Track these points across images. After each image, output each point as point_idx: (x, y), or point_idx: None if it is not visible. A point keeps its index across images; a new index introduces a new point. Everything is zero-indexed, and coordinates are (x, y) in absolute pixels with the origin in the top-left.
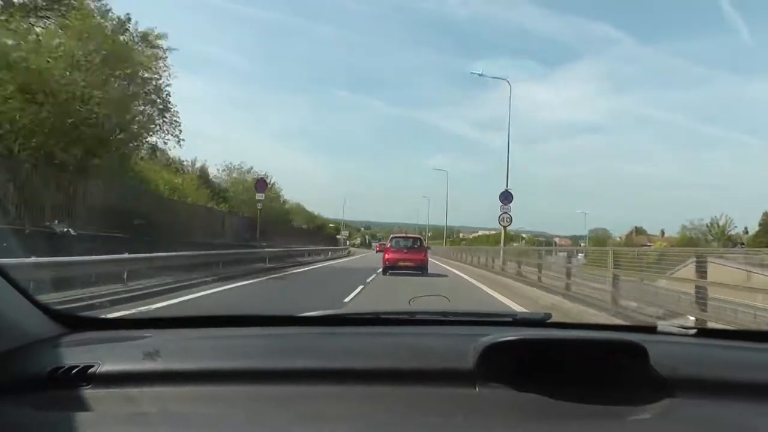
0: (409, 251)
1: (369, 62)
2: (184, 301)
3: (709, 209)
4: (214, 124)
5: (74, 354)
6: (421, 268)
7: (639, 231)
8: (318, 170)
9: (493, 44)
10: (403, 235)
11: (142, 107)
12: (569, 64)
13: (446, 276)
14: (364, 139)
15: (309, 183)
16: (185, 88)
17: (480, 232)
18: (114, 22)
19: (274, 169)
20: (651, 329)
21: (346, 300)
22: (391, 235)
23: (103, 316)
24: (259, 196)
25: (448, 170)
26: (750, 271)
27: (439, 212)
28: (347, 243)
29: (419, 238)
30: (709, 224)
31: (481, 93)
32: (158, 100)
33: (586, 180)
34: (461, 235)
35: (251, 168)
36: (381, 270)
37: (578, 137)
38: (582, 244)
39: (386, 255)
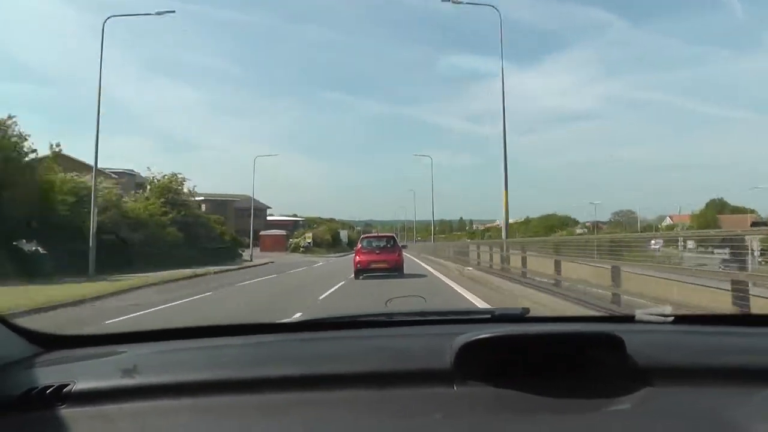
0: (382, 252)
1: (357, 61)
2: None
3: (709, 189)
4: (204, 132)
5: (48, 373)
6: (396, 269)
7: (722, 204)
8: (312, 172)
9: (480, 36)
10: (375, 234)
11: None
12: (560, 51)
13: None
14: (357, 138)
15: (303, 185)
16: (174, 96)
17: (497, 222)
18: None
19: (267, 173)
20: (629, 319)
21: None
22: (362, 236)
23: (76, 333)
24: None
25: (444, 165)
26: None
27: (443, 206)
28: None
29: (393, 237)
30: None
31: (472, 86)
32: None
33: (582, 167)
34: (475, 226)
35: None
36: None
37: (572, 125)
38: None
39: (357, 257)
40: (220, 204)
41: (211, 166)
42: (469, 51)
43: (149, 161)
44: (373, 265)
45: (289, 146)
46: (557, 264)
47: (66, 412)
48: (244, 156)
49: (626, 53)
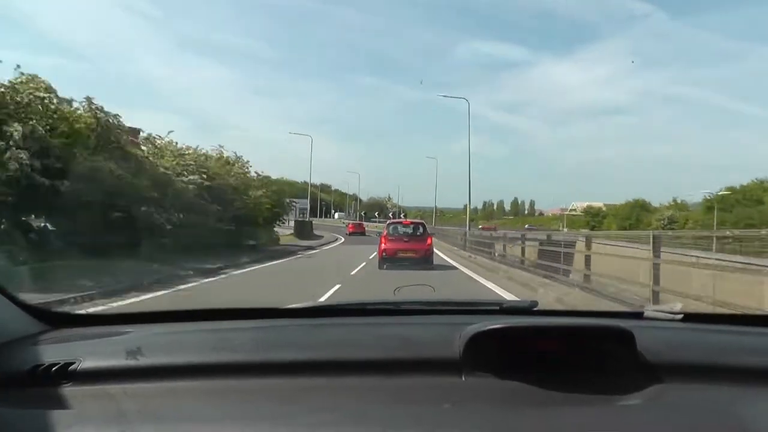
0: (411, 240)
1: (392, 46)
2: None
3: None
4: (239, 112)
5: (55, 351)
6: (425, 260)
7: None
8: (344, 156)
9: (515, 24)
10: (403, 220)
11: None
12: (594, 42)
13: None
14: (389, 124)
15: (336, 168)
16: (210, 77)
17: (576, 205)
18: None
19: (300, 154)
20: (638, 315)
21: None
22: (388, 221)
23: (83, 312)
24: None
25: (475, 153)
26: None
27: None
28: None
29: (422, 224)
30: None
31: (505, 76)
32: None
33: (611, 162)
34: (537, 212)
35: None
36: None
37: (604, 118)
38: None
39: (383, 245)
40: None
41: (241, 146)
42: (502, 39)
43: (180, 139)
44: (401, 254)
45: (318, 129)
46: None
47: (71, 390)
48: (275, 136)
49: (664, 47)
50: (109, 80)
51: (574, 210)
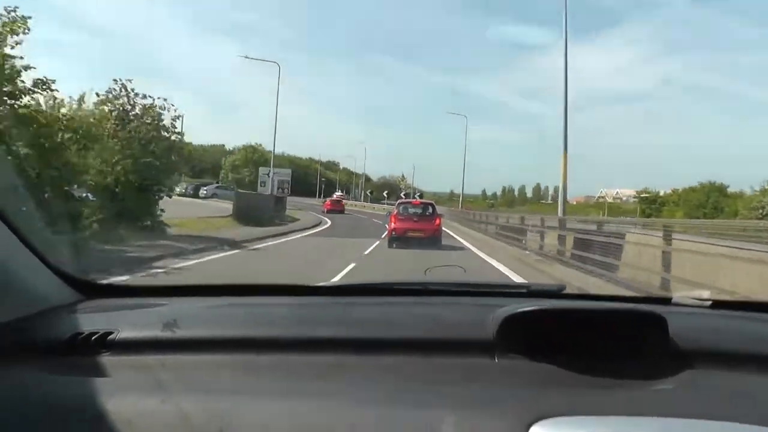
0: (420, 219)
1: (412, 28)
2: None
3: None
4: (256, 94)
5: (93, 320)
6: (433, 240)
7: None
8: (361, 138)
9: (536, 6)
10: (412, 200)
11: None
12: (615, 28)
13: None
14: (408, 107)
15: (349, 149)
16: (227, 57)
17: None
18: None
19: (318, 137)
20: (666, 301)
21: None
22: (398, 201)
23: (120, 283)
24: None
25: (493, 140)
26: None
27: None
28: None
29: (431, 204)
30: None
31: (528, 59)
32: None
33: (634, 151)
34: (573, 200)
35: None
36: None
37: (627, 104)
38: None
39: (392, 224)
40: None
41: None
42: (521, 23)
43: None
44: (410, 234)
45: (336, 107)
46: None
47: (110, 359)
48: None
49: (686, 33)
50: (126, 57)
51: (603, 197)
